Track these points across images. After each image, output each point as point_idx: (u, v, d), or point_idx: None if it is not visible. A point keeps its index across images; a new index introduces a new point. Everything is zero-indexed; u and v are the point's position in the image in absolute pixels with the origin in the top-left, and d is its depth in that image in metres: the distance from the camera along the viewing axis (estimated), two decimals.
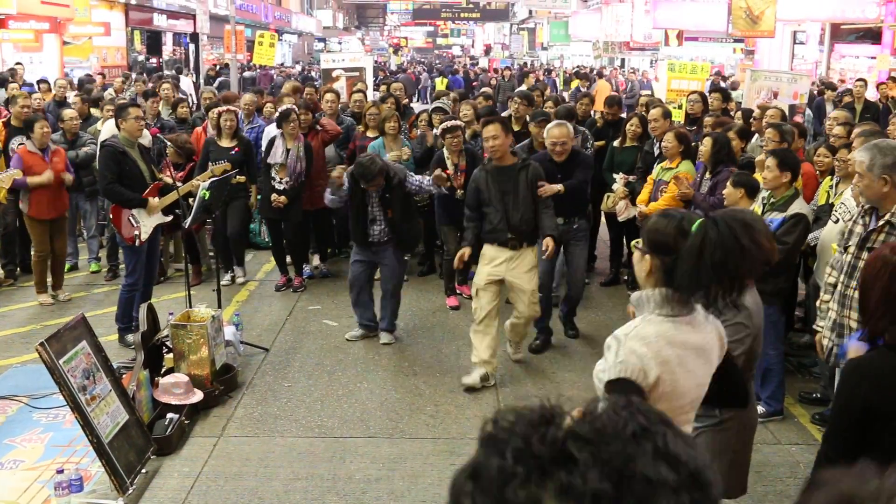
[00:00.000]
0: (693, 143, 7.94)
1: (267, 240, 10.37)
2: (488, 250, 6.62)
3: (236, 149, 8.76)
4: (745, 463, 3.88)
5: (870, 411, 2.78)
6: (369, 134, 9.29)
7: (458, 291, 8.67)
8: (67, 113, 9.39)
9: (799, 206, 5.62)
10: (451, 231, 8.57)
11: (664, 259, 2.65)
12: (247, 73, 25.26)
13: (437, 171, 7.84)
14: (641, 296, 2.73)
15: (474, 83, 27.96)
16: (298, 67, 35.67)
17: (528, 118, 9.14)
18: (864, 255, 4.28)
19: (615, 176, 8.38)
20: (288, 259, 9.29)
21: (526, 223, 6.52)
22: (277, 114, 8.82)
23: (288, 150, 8.56)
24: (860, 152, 4.47)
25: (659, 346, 2.63)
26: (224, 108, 9.11)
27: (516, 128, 9.48)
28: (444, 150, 8.38)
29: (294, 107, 8.93)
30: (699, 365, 2.74)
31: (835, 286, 4.69)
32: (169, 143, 8.46)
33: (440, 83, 26.63)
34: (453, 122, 8.42)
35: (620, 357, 2.63)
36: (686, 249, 2.55)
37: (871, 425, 2.78)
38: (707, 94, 10.69)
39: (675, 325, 2.67)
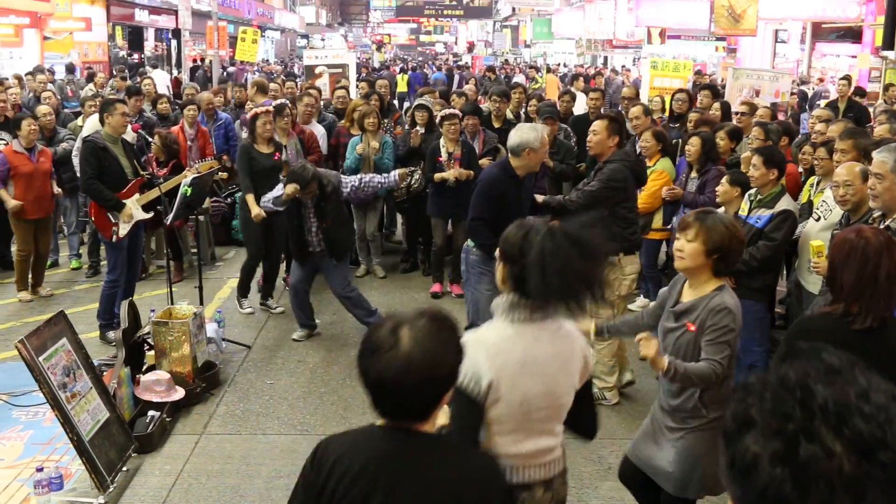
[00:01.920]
0: (676, 141, 7.97)
1: None
2: None
3: (277, 155, 8.10)
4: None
5: None
6: (353, 131, 9.25)
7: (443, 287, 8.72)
8: (41, 109, 9.27)
9: (786, 203, 5.65)
10: (439, 223, 8.60)
11: (512, 267, 2.75)
12: (230, 69, 25.18)
13: (402, 170, 7.72)
14: (496, 301, 2.84)
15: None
16: (280, 67, 35.53)
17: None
18: None
19: None
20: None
21: None
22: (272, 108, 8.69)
23: (284, 147, 8.37)
24: (882, 153, 4.34)
25: (497, 351, 2.71)
26: (261, 109, 8.15)
27: (497, 125, 9.51)
28: (441, 139, 8.45)
29: (287, 101, 8.85)
30: (549, 374, 2.78)
31: None
32: (152, 140, 8.41)
33: (401, 80, 26.65)
34: (451, 110, 8.58)
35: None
36: (530, 263, 2.66)
37: None
38: (690, 92, 10.73)
39: (520, 331, 2.74)
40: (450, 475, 2.15)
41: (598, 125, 6.16)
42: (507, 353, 2.71)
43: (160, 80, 18.02)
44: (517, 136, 5.80)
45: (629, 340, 6.54)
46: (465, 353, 2.43)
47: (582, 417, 3.01)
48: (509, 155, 5.89)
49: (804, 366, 1.13)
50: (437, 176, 8.34)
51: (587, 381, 2.98)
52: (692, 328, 3.56)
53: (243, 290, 8.22)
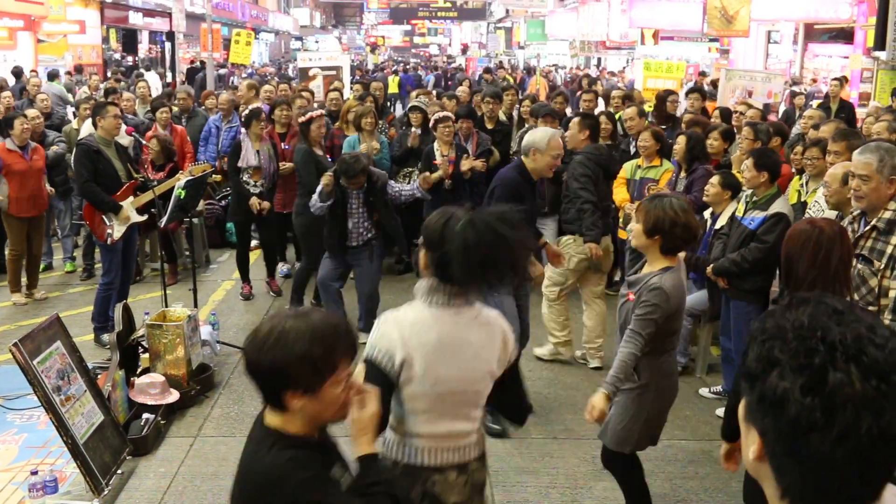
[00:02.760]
0: (670, 141, 7.98)
1: None
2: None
3: (329, 156, 8.01)
4: (659, 422, 4.29)
5: None
6: (348, 132, 9.24)
7: None
8: (30, 113, 9.12)
9: (780, 206, 5.66)
10: None
11: (433, 254, 2.84)
12: (221, 71, 25.16)
13: (424, 174, 7.90)
14: (419, 284, 2.94)
15: (449, 82, 28.00)
16: (273, 69, 35.49)
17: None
18: (856, 262, 4.08)
19: None
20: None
21: None
22: (246, 111, 8.62)
23: (257, 152, 8.35)
24: (865, 154, 4.25)
25: (413, 331, 2.81)
26: (317, 113, 8.09)
27: (489, 126, 9.53)
28: (435, 142, 8.49)
29: (262, 106, 8.83)
30: (464, 358, 2.86)
31: None
32: (145, 143, 8.40)
33: (392, 82, 26.68)
34: (445, 113, 8.60)
35: (373, 338, 2.83)
36: (453, 251, 2.75)
37: None
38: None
39: (437, 315, 2.83)
40: (239, 470, 2.30)
41: (572, 122, 6.85)
42: (423, 334, 2.81)
43: (152, 82, 18.00)
44: (531, 137, 5.79)
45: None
46: (379, 329, 2.71)
47: (509, 403, 3.16)
48: (523, 157, 5.80)
49: (812, 310, 1.29)
50: (433, 177, 8.33)
51: (514, 367, 3.06)
52: (631, 298, 3.99)
53: (299, 299, 8.03)
